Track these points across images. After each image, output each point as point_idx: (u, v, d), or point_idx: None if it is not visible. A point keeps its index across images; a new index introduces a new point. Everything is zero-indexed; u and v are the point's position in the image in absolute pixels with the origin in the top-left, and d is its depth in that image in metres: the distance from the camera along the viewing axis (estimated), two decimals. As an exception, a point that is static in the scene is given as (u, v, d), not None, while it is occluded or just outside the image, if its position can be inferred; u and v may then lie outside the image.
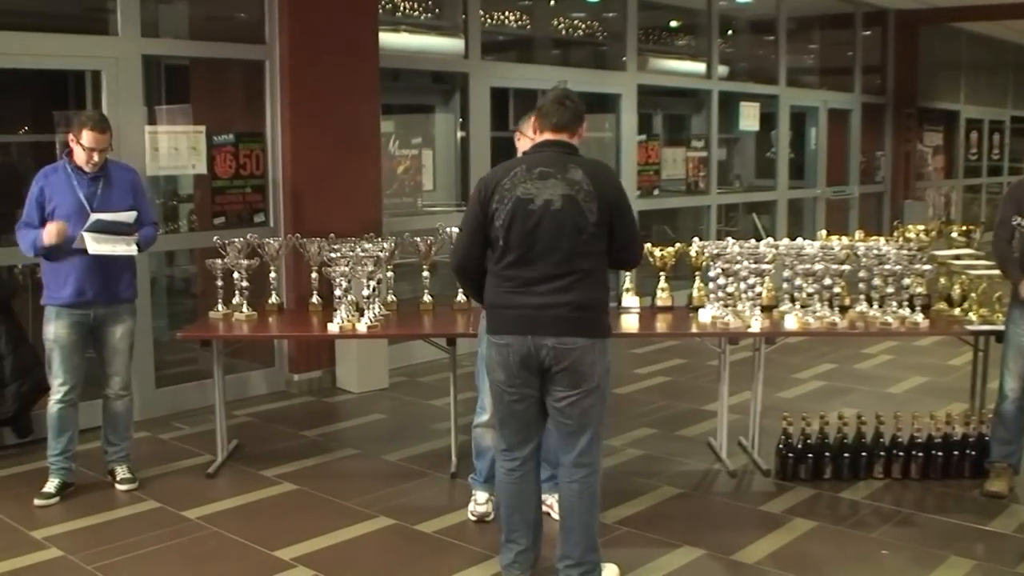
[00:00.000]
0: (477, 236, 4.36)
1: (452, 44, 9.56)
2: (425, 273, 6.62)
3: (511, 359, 4.31)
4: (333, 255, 6.18)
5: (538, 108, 4.45)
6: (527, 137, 4.88)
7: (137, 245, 5.66)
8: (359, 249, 6.32)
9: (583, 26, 12.10)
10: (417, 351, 8.14)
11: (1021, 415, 5.78)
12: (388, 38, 8.78)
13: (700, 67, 12.38)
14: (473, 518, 5.37)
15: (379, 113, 8.30)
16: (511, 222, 4.23)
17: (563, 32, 11.84)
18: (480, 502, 5.39)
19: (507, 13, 10.82)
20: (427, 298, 6.56)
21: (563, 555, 4.45)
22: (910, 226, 7.17)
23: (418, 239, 6.64)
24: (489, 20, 10.22)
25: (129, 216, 5.59)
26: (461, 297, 6.47)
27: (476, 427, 5.36)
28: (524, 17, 11.20)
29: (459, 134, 9.72)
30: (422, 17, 9.91)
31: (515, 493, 4.54)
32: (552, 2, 11.93)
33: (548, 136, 4.36)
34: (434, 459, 6.30)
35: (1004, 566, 4.91)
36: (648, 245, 6.43)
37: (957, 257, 6.56)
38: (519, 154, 4.99)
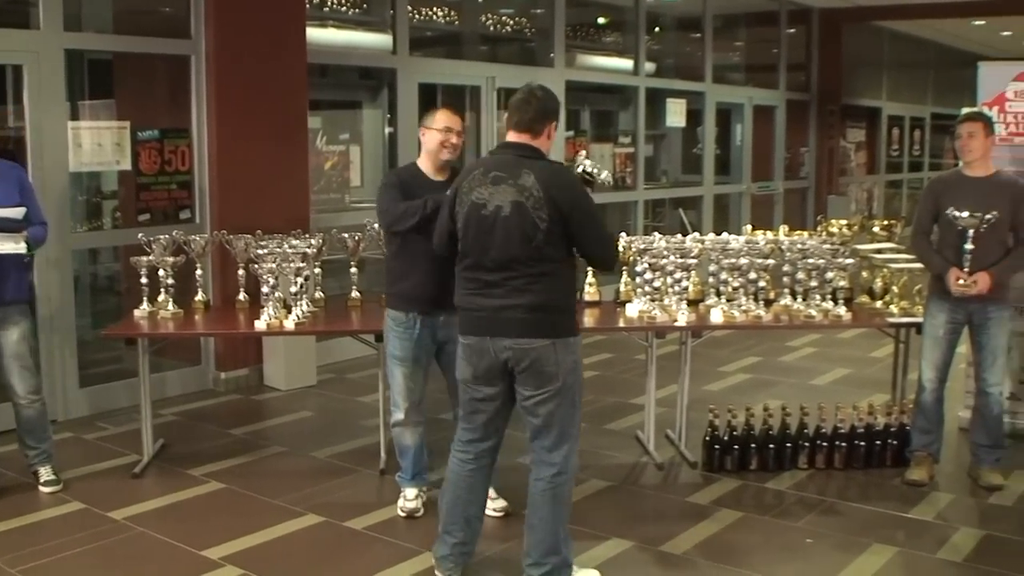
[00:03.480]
0: (444, 233, 4.46)
1: (380, 40, 9.54)
2: (353, 269, 6.60)
3: (473, 359, 4.35)
4: (260, 252, 6.15)
5: (509, 104, 4.44)
6: (433, 130, 5.10)
7: (27, 244, 5.46)
8: (286, 246, 6.29)
9: (511, 22, 12.12)
10: (345, 348, 8.12)
11: (940, 405, 5.92)
12: (316, 33, 8.74)
13: (627, 64, 12.46)
14: (403, 514, 5.37)
15: (306, 109, 8.25)
16: (467, 226, 4.29)
17: (491, 28, 11.86)
18: (409, 498, 5.39)
19: (435, 9, 10.81)
20: (355, 294, 6.54)
21: (526, 552, 4.46)
22: (833, 221, 7.28)
23: (346, 235, 6.62)
24: (417, 16, 10.21)
25: (17, 212, 5.41)
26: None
27: (394, 427, 5.37)
28: (452, 13, 11.20)
29: (387, 130, 9.70)
30: (350, 13, 9.87)
31: (462, 485, 4.55)
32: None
33: (510, 137, 4.35)
34: (363, 456, 6.29)
35: (924, 552, 5.04)
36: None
37: (879, 251, 6.68)
38: (424, 151, 5.14)
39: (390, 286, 5.26)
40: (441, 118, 5.13)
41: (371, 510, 5.45)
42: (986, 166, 5.77)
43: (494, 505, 5.33)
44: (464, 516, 4.55)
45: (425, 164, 5.18)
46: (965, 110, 6.12)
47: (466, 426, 4.55)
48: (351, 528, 5.25)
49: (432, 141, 5.12)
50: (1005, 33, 18.02)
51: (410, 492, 5.40)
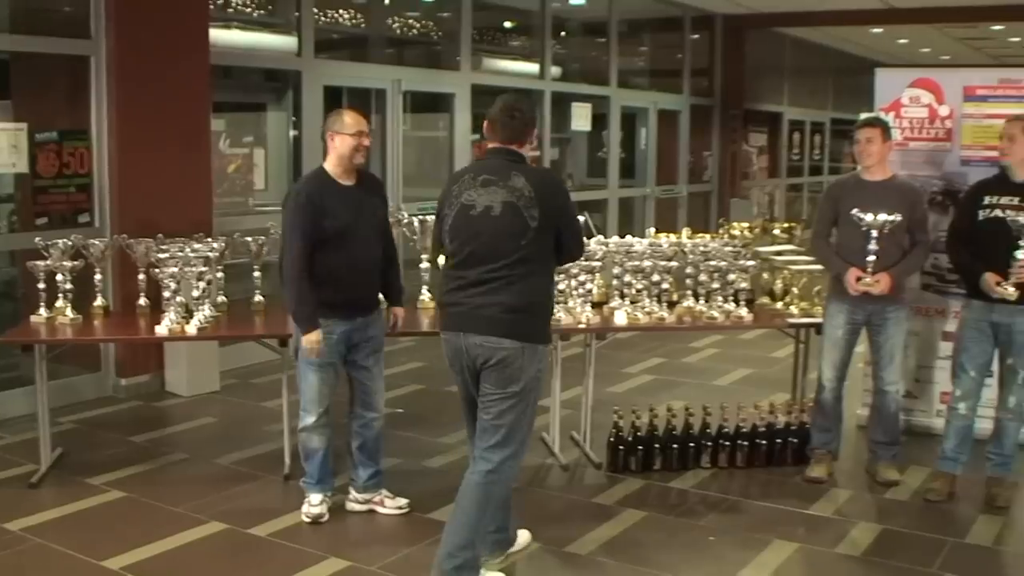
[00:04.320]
0: (436, 236, 4.66)
1: (285, 41, 9.45)
2: (256, 273, 6.54)
3: (449, 354, 4.53)
4: (161, 256, 6.07)
5: (489, 117, 4.58)
6: (345, 135, 5.08)
7: None
8: (188, 249, 6.21)
9: (418, 25, 12.10)
10: (249, 353, 8.01)
11: (839, 404, 6.05)
12: (219, 34, 8.63)
13: (533, 68, 12.52)
14: (307, 520, 5.33)
15: (209, 111, 8.15)
16: (454, 226, 4.44)
17: (398, 31, 11.82)
18: (314, 503, 5.35)
19: (341, 11, 10.74)
20: (258, 298, 6.49)
21: (443, 541, 4.49)
22: (735, 223, 7.41)
23: (249, 239, 6.56)
24: (323, 18, 10.14)
25: None
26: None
27: (301, 431, 5.33)
28: (358, 15, 11.14)
29: (292, 133, 9.62)
30: (254, 14, 9.76)
31: None
32: (387, 1, 11.90)
33: (496, 145, 4.53)
34: (267, 461, 6.22)
35: (824, 547, 5.15)
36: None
37: (779, 253, 6.80)
38: (334, 156, 5.10)
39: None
40: (352, 122, 5.11)
41: (275, 516, 5.39)
42: (884, 170, 5.90)
43: (395, 504, 5.44)
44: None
45: (335, 169, 5.14)
46: (864, 115, 6.24)
47: (466, 428, 4.74)
48: (255, 535, 5.19)
49: (346, 145, 5.09)
50: (901, 41, 18.48)
51: (315, 497, 5.36)
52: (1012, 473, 5.86)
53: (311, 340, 5.05)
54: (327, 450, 5.35)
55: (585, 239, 5.12)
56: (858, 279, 5.68)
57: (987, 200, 5.63)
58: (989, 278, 5.48)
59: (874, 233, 5.61)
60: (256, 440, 6.66)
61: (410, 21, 11.98)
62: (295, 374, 5.32)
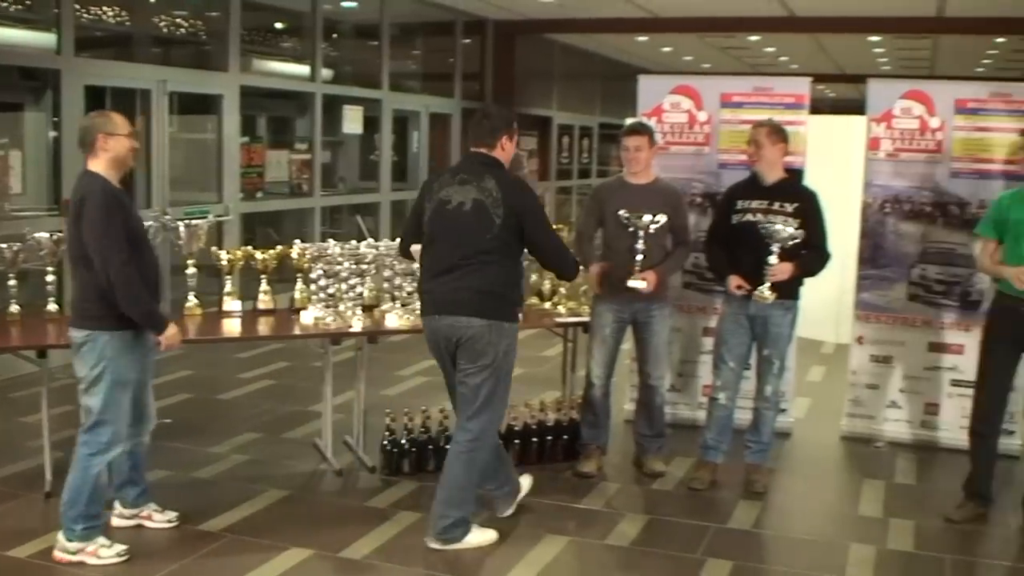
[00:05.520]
0: (411, 228, 5.23)
1: (43, 38, 9.02)
2: (12, 281, 6.21)
3: (428, 338, 5.12)
4: (-97, 263, 5.70)
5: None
6: (121, 136, 4.83)
7: None
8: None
9: (186, 24, 11.75)
10: (3, 365, 7.60)
11: (607, 399, 6.21)
12: (-32, 30, 8.18)
13: (304, 70, 12.35)
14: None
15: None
16: (433, 219, 5.03)
17: (164, 30, 11.45)
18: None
19: (104, 8, 10.32)
20: (15, 308, 6.17)
21: (435, 503, 5.09)
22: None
23: (4, 246, 6.22)
24: (85, 15, 9.73)
25: None
26: (52, 306, 6.13)
27: (113, 454, 4.94)
28: (123, 13, 10.73)
29: (51, 134, 9.19)
30: (11, 9, 9.29)
31: None
32: (153, -2, 11.51)
33: (472, 148, 5.11)
34: (26, 479, 5.90)
35: (594, 539, 5.31)
36: (249, 248, 6.39)
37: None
38: (109, 159, 4.83)
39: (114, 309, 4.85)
40: (123, 122, 4.89)
41: (36, 536, 5.11)
42: (647, 174, 6.11)
43: (164, 517, 5.28)
44: (481, 475, 5.22)
45: (109, 172, 4.81)
46: (630, 121, 6.42)
47: (456, 411, 5.24)
48: (14, 557, 4.91)
49: (123, 147, 4.83)
50: (666, 49, 19.13)
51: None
52: (769, 460, 6.16)
53: (174, 336, 4.88)
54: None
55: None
56: (622, 278, 5.85)
57: (739, 204, 5.92)
58: (732, 281, 5.81)
59: (641, 232, 5.79)
60: (14, 457, 6.29)
61: (178, 20, 11.61)
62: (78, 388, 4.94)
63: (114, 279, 4.65)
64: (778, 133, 5.90)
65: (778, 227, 5.66)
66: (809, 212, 5.85)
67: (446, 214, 4.98)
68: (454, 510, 5.04)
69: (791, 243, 5.67)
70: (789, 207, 5.81)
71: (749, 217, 5.84)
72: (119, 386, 4.79)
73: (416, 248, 5.23)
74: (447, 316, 4.95)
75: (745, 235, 5.80)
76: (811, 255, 5.84)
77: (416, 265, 5.35)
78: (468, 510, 5.11)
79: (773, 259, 5.67)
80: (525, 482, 5.61)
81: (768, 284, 5.71)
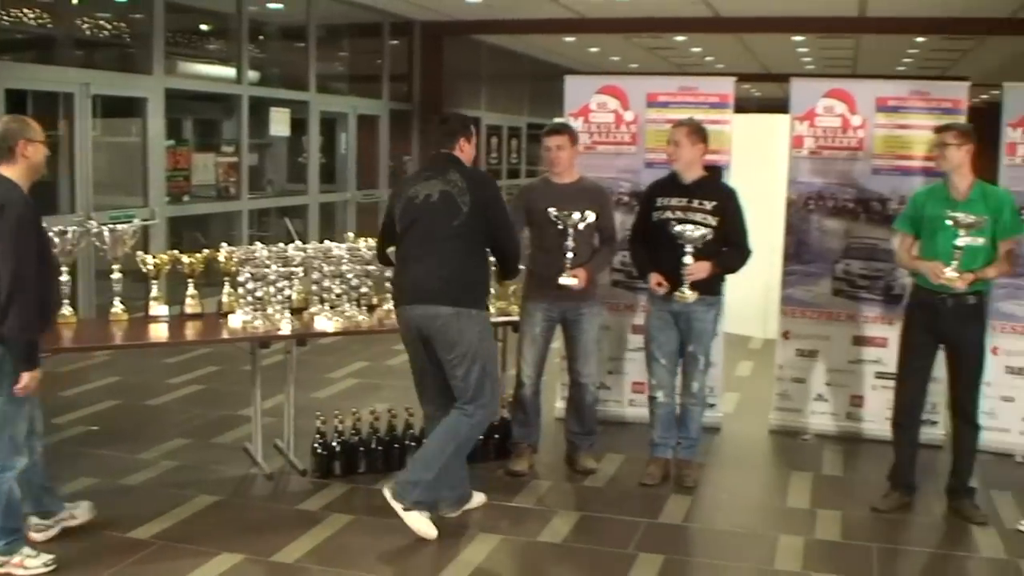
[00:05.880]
0: (386, 232, 5.43)
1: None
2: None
3: (401, 326, 5.31)
4: None
5: None
6: (39, 143, 4.76)
7: None
8: None
9: (109, 27, 11.59)
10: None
11: (537, 398, 6.24)
12: None
13: (230, 72, 12.26)
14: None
15: None
16: (401, 215, 5.27)
17: (87, 32, 11.28)
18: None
19: (25, 10, 10.15)
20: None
21: (408, 470, 5.31)
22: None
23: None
24: (5, 17, 9.56)
25: None
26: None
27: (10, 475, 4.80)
28: (44, 15, 10.56)
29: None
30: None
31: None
32: (75, 0, 11.33)
33: (435, 149, 5.42)
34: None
35: (526, 536, 5.34)
36: (175, 252, 6.34)
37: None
38: (28, 166, 4.73)
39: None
40: (39, 128, 4.81)
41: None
42: (572, 173, 6.15)
43: (83, 509, 5.24)
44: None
45: (24, 180, 4.70)
46: (552, 122, 6.45)
47: (423, 401, 5.50)
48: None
49: (39, 154, 4.76)
50: (593, 49, 19.26)
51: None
52: (699, 455, 6.23)
53: (35, 380, 4.64)
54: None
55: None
56: (552, 277, 5.88)
57: (659, 202, 6.00)
58: (652, 279, 5.92)
59: (571, 231, 5.82)
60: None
61: (101, 22, 11.46)
62: None
63: (16, 297, 4.48)
64: (697, 132, 5.97)
65: (689, 229, 5.73)
66: (728, 210, 5.93)
67: (415, 207, 5.22)
68: (419, 471, 5.20)
69: (703, 243, 5.74)
70: (708, 205, 5.89)
71: (668, 215, 5.91)
72: (16, 400, 4.66)
73: (392, 251, 5.43)
74: (418, 305, 5.15)
75: (665, 233, 5.86)
76: (730, 252, 5.92)
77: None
78: (431, 476, 5.17)
79: (688, 259, 5.74)
80: (478, 498, 5.62)
81: (687, 284, 5.78)
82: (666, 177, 6.17)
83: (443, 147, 5.40)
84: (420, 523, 5.19)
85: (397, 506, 5.17)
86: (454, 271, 5.13)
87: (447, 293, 5.10)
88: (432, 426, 5.42)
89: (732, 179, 6.93)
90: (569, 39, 17.58)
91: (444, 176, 5.24)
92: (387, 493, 5.22)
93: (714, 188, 6.05)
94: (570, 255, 5.85)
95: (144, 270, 6.19)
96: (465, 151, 5.42)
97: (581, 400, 6.30)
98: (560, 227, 5.85)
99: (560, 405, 7.01)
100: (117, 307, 6.14)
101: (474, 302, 5.22)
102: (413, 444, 6.14)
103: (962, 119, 6.45)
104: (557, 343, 6.38)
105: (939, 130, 5.71)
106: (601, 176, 6.80)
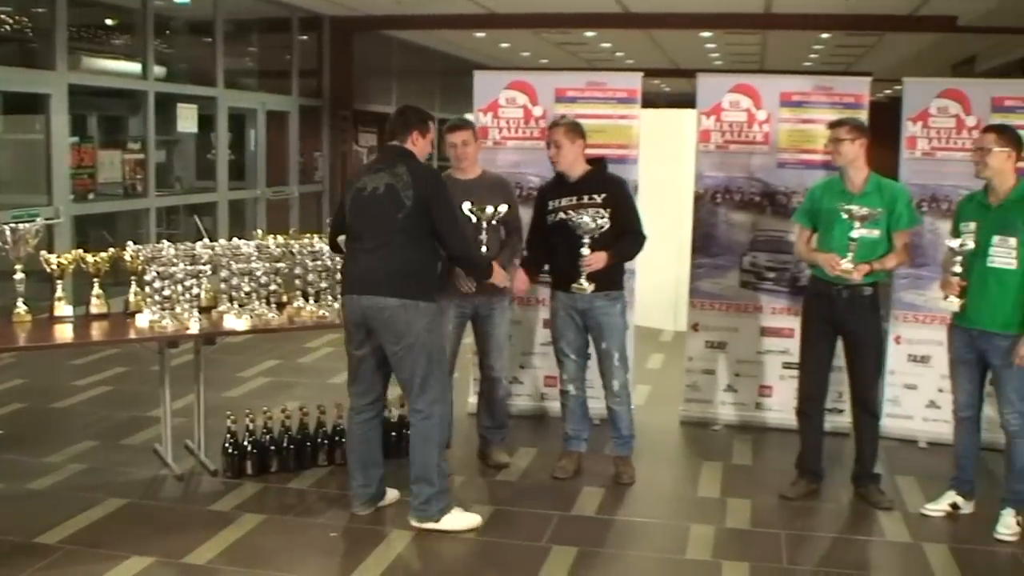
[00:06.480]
0: (337, 222, 5.52)
1: None
2: None
3: (344, 314, 5.37)
4: None
5: None
6: None
7: None
8: None
9: (10, 21, 11.32)
10: None
11: (449, 393, 6.22)
12: None
13: (136, 67, 12.06)
14: None
15: None
16: (351, 207, 5.34)
17: (-13, 27, 11.02)
18: None
19: (-80, 4, 9.90)
20: None
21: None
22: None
23: None
24: None
25: None
26: None
27: None
28: (-58, 10, 10.31)
29: None
30: None
31: (353, 437, 5.49)
32: (-29, -6, 11.07)
33: (386, 142, 5.47)
34: None
35: (439, 532, 5.33)
36: (80, 251, 6.23)
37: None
38: None
39: None
40: None
41: None
42: (475, 168, 6.18)
43: None
44: (357, 462, 5.48)
45: None
46: (454, 118, 6.46)
47: (352, 388, 5.46)
48: None
49: None
50: (503, 45, 19.30)
51: None
52: (633, 451, 6.27)
53: None
54: None
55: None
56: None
57: (551, 204, 6.05)
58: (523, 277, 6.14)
59: (484, 225, 5.84)
60: None
61: (1, 16, 11.20)
62: None
63: None
64: (575, 130, 6.04)
65: (585, 219, 5.77)
66: (618, 199, 6.01)
67: (362, 199, 5.28)
68: (423, 486, 5.28)
69: (600, 232, 5.78)
70: (598, 198, 5.95)
71: (561, 216, 5.95)
72: None
73: (343, 239, 5.49)
74: (365, 296, 5.20)
75: (560, 234, 5.92)
76: (625, 240, 5.99)
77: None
78: (438, 484, 5.29)
79: (585, 251, 5.80)
80: (391, 494, 5.64)
81: (584, 275, 5.83)
82: (553, 179, 6.21)
83: (396, 139, 5.41)
84: (460, 521, 5.36)
85: (431, 525, 5.30)
86: (401, 264, 5.18)
87: (393, 285, 5.15)
88: (353, 418, 5.48)
89: (640, 174, 7.02)
90: (480, 34, 17.59)
91: (392, 169, 5.26)
92: (414, 522, 5.32)
93: (601, 180, 6.09)
94: (484, 249, 5.87)
95: (48, 270, 6.07)
96: (419, 145, 5.41)
97: (493, 394, 6.32)
98: (474, 221, 5.87)
99: (472, 400, 7.03)
100: (20, 308, 6.01)
101: (421, 294, 5.22)
102: (325, 442, 6.13)
103: (864, 114, 6.60)
104: (469, 338, 6.40)
105: (833, 125, 5.82)
106: (511, 172, 6.84)
